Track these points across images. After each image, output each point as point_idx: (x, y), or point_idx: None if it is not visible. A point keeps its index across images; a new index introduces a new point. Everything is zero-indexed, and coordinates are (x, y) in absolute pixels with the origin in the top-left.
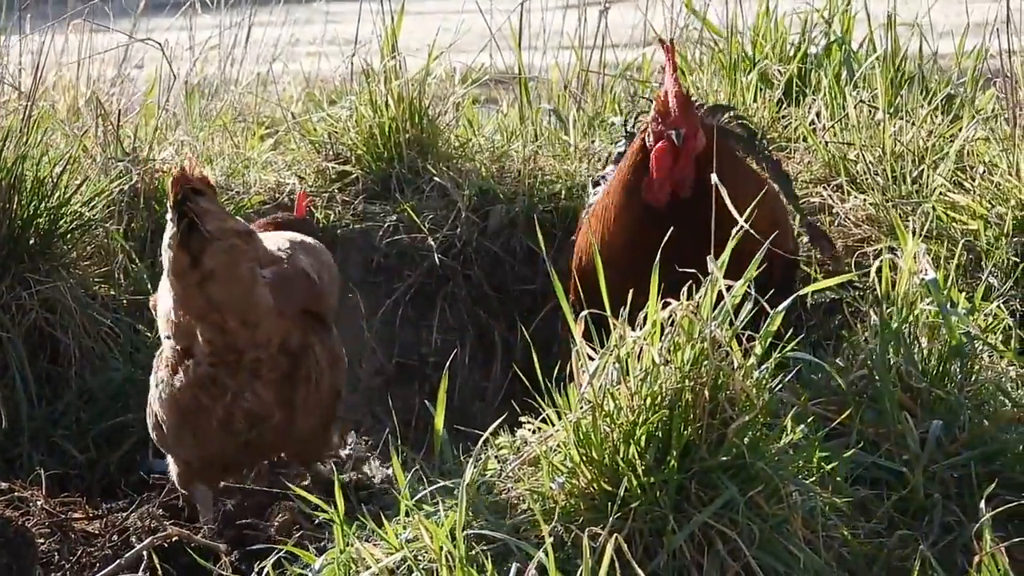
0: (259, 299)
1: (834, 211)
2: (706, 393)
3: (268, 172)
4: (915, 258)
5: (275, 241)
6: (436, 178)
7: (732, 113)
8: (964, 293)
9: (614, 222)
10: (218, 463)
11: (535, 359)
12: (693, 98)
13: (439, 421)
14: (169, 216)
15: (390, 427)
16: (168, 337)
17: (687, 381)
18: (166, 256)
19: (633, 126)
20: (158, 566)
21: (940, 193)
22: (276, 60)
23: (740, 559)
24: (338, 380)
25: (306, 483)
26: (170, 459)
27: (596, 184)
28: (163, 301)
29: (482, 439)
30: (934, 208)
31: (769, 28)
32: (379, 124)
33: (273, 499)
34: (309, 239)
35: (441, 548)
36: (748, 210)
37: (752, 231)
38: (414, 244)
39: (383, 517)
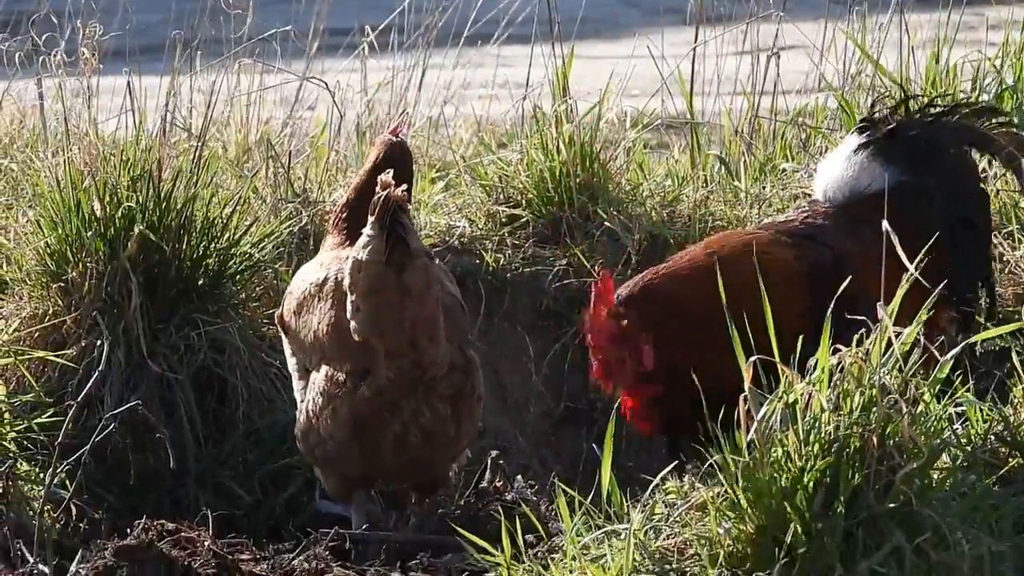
0: (440, 318)
1: (1005, 259)
2: (874, 440)
3: (439, 215)
4: None
5: None
6: (606, 222)
7: (1004, 119)
8: None
9: None
10: (377, 478)
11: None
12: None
13: (606, 465)
14: (369, 232)
15: (557, 471)
16: (322, 362)
17: (855, 427)
18: (357, 275)
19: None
20: None
21: None
22: (448, 103)
23: None
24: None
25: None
26: (321, 473)
27: None
28: (312, 328)
29: (652, 485)
30: None
31: (940, 76)
32: (550, 168)
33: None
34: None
35: None
36: None
37: None
38: (584, 288)
39: (550, 561)
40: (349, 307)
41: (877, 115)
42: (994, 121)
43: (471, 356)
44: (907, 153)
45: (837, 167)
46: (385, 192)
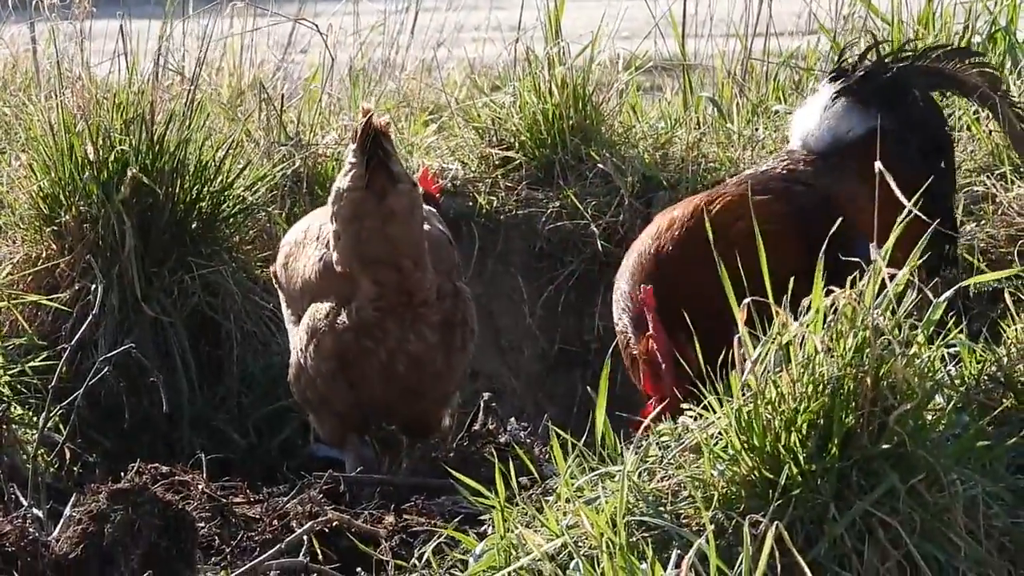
0: (425, 244)
1: (997, 199)
2: (868, 381)
3: (432, 158)
4: None
5: None
6: (599, 164)
7: (976, 59)
8: None
9: None
10: (369, 412)
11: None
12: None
13: (601, 407)
14: (351, 159)
15: (551, 413)
16: (310, 302)
17: (849, 369)
18: (339, 203)
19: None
20: (318, 551)
21: None
22: (441, 46)
23: (901, 547)
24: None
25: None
26: (315, 418)
27: None
28: (300, 272)
29: (643, 425)
30: None
31: (933, 17)
32: (543, 110)
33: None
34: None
35: (601, 535)
36: None
37: None
38: (577, 230)
39: (543, 503)
40: (331, 238)
41: (846, 64)
42: (966, 62)
43: (461, 287)
44: (882, 98)
45: (815, 115)
46: (366, 118)
